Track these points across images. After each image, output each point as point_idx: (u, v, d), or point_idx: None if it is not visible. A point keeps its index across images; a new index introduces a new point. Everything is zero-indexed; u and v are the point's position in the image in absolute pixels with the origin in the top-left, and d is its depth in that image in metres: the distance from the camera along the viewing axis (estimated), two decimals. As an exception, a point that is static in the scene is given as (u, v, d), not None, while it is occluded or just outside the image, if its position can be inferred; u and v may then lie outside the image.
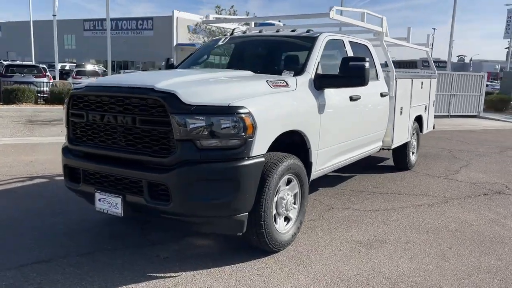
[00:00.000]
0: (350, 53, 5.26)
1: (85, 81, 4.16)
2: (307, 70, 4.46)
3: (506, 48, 30.62)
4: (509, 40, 37.18)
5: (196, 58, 5.59)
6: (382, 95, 5.96)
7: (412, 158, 7.75)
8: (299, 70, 4.48)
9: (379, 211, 5.23)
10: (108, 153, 3.61)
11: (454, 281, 3.48)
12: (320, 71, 4.52)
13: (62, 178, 4.09)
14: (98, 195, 3.63)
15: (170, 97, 3.26)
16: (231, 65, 5.28)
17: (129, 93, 3.45)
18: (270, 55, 5.27)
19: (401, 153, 7.34)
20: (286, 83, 4.09)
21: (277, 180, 3.69)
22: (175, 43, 60.72)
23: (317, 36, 4.91)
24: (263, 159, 3.52)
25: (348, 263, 3.74)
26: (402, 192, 6.12)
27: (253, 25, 7.01)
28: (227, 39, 5.57)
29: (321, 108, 4.41)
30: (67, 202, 5.11)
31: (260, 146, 3.50)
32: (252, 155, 3.41)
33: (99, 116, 3.59)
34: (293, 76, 4.35)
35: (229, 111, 3.28)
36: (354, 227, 4.64)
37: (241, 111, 3.30)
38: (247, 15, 15.58)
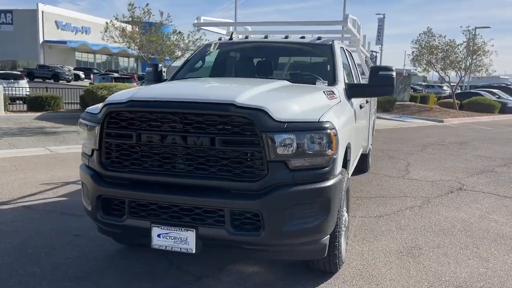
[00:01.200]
0: (346, 61, 5.28)
1: (120, 93, 3.47)
2: (339, 79, 4.34)
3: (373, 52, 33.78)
4: (380, 46, 41.26)
5: (199, 66, 5.08)
6: (367, 101, 6.09)
7: (370, 160, 8.11)
8: (331, 79, 4.34)
9: (383, 216, 5.33)
10: (170, 180, 3.06)
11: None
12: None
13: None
14: (157, 230, 3.06)
15: (260, 114, 2.89)
16: (252, 73, 4.88)
17: (203, 109, 2.96)
18: (294, 62, 5.02)
19: (364, 156, 7.62)
20: (334, 94, 3.92)
21: (344, 197, 3.54)
22: (41, 40, 55.44)
23: (332, 44, 4.82)
24: (341, 176, 3.32)
25: (410, 275, 3.72)
26: (384, 195, 6.34)
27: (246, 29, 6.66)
28: (229, 45, 5.17)
29: (355, 118, 4.33)
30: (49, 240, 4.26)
31: (339, 163, 3.29)
32: (336, 173, 3.20)
33: (159, 136, 3.03)
34: (327, 85, 4.20)
35: (319, 127, 3.00)
36: (379, 235, 4.65)
37: (328, 126, 3.03)
38: (161, 15, 14.84)
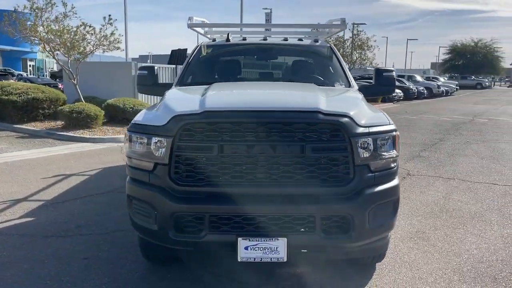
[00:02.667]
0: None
1: (181, 103, 3.20)
2: (351, 82, 4.57)
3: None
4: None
5: (206, 69, 4.88)
6: None
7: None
8: (346, 82, 4.54)
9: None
10: (253, 190, 2.99)
11: None
12: None
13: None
14: (244, 243, 2.98)
15: (348, 120, 2.98)
16: (265, 75, 4.83)
17: (292, 118, 2.95)
18: (299, 64, 5.06)
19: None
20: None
21: None
22: None
23: (331, 46, 5.02)
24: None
25: (435, 257, 4.13)
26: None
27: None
28: (230, 46, 5.03)
29: None
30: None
31: None
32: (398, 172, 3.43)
33: (244, 146, 2.94)
34: (345, 87, 4.40)
35: (391, 130, 3.21)
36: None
37: (395, 128, 3.26)
38: (65, 6, 13.51)
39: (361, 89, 4.54)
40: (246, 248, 2.99)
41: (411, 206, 5.74)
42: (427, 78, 45.52)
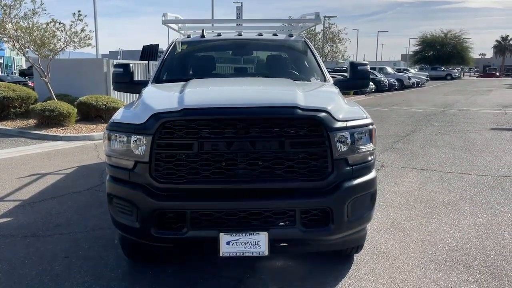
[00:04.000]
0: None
1: (160, 101, 3.20)
2: (327, 76, 4.65)
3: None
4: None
5: (177, 65, 4.87)
6: None
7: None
8: (321, 76, 4.63)
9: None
10: (234, 186, 3.04)
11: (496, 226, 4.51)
12: None
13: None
14: (226, 238, 3.04)
15: (325, 115, 3.06)
16: (240, 71, 4.86)
17: (271, 114, 3.01)
18: (274, 59, 5.10)
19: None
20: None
21: None
22: None
23: (305, 40, 5.10)
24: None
25: (411, 247, 4.28)
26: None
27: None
28: (205, 42, 5.04)
29: None
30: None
31: None
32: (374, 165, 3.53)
33: (224, 143, 2.98)
34: (320, 81, 4.48)
35: (368, 123, 3.30)
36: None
37: (370, 121, 3.36)
38: (34, 2, 13.18)
39: (337, 83, 4.63)
40: (227, 243, 3.04)
41: (386, 197, 5.90)
42: (398, 70, 46.32)
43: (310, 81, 4.52)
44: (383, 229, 4.71)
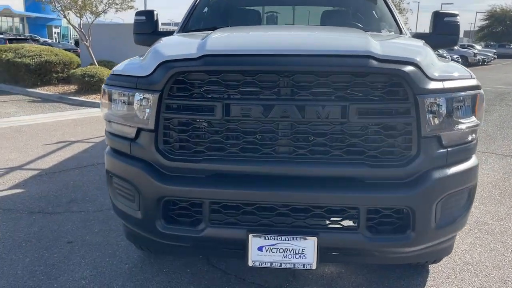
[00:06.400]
0: None
1: (171, 46, 2.35)
2: (403, 29, 3.59)
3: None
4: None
5: (218, 13, 3.96)
6: None
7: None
8: (397, 29, 3.56)
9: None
10: (273, 170, 2.12)
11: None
12: None
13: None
14: (257, 241, 2.14)
15: (413, 69, 2.05)
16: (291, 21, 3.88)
17: (330, 65, 2.04)
18: (343, 14, 4.09)
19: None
20: None
21: None
22: None
23: None
24: None
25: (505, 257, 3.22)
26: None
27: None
28: None
29: None
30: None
31: None
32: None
33: (260, 108, 2.05)
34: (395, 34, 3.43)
35: (472, 86, 2.26)
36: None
37: (477, 84, 2.30)
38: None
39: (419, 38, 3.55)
40: (259, 248, 2.15)
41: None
42: (462, 46, 42.95)
43: (381, 32, 3.47)
44: (465, 230, 3.66)
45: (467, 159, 2.30)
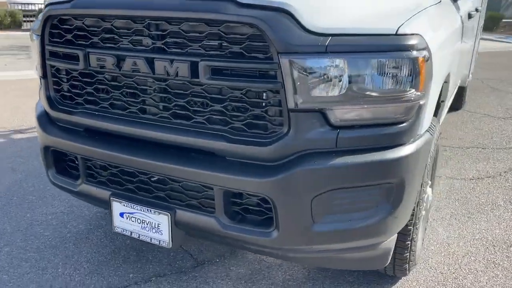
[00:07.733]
0: None
1: None
2: None
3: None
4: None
5: None
6: (477, 9, 4.24)
7: (467, 93, 6.31)
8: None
9: (483, 179, 3.82)
10: (136, 131, 1.89)
11: None
12: None
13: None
14: (118, 207, 1.97)
15: (280, 18, 1.53)
16: None
17: (181, 10, 1.67)
18: None
19: (461, 89, 5.84)
20: None
21: (430, 168, 2.18)
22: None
23: None
24: (429, 135, 1.93)
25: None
26: (485, 145, 4.71)
27: None
28: None
29: (461, 33, 2.81)
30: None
31: (429, 111, 1.90)
32: (421, 132, 1.82)
33: (112, 58, 1.83)
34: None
35: (397, 45, 1.60)
36: (476, 213, 3.23)
37: (414, 43, 1.61)
38: None
39: None
40: (121, 215, 1.98)
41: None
42: None
43: None
44: (500, 244, 2.78)
45: (387, 146, 1.68)
